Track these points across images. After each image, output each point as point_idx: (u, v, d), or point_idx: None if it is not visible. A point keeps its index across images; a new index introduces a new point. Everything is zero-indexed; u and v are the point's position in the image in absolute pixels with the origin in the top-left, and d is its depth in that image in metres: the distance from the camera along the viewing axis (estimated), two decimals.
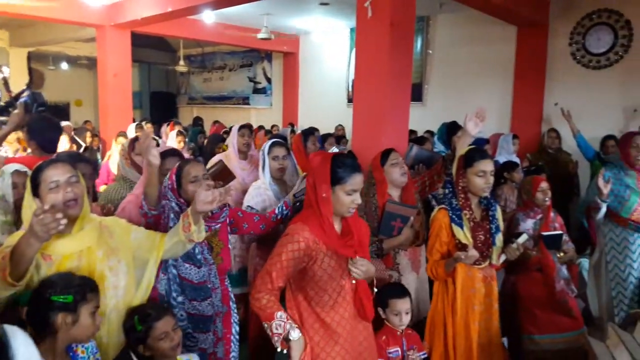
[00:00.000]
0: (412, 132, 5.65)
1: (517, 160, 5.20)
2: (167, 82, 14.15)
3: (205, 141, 6.49)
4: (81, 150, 6.17)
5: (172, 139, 5.57)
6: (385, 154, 2.93)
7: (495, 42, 6.75)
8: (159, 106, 13.37)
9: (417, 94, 7.57)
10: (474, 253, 2.41)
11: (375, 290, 2.17)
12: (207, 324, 2.29)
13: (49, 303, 1.61)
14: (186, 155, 5.89)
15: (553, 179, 5.18)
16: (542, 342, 2.99)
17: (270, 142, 3.03)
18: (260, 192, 2.91)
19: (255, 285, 1.96)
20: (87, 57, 11.84)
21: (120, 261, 1.91)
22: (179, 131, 5.74)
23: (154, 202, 2.24)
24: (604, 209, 3.34)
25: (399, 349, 2.48)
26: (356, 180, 1.95)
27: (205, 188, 1.96)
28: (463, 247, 2.48)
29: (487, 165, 2.49)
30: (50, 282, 1.66)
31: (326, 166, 1.95)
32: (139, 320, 1.88)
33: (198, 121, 10.06)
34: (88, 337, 1.71)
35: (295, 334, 1.91)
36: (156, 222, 2.26)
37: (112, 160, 5.28)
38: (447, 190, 2.63)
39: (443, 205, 2.59)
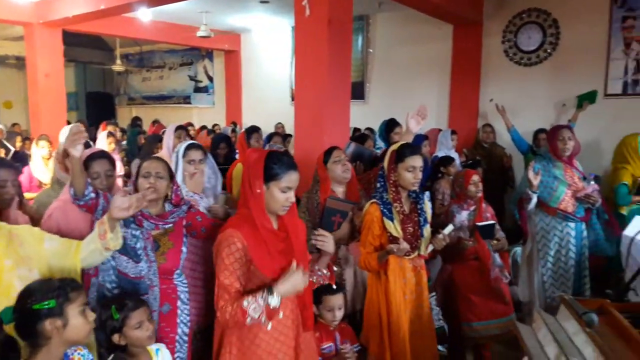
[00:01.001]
0: (356, 129, 5.72)
1: (455, 155, 5.35)
2: (104, 82, 13.65)
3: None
4: (9, 155, 5.83)
5: (101, 139, 5.38)
6: (329, 152, 3.00)
7: (432, 40, 6.92)
8: (96, 107, 12.90)
9: (359, 92, 7.67)
10: (404, 245, 2.51)
11: (335, 269, 2.21)
12: None
13: (33, 313, 1.58)
14: (117, 157, 5.72)
15: (489, 172, 5.46)
16: (479, 328, 3.14)
17: (186, 143, 2.96)
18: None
19: (216, 304, 1.92)
20: (15, 56, 11.22)
21: (31, 270, 1.85)
22: (109, 132, 5.56)
23: (80, 192, 2.28)
24: (534, 200, 3.50)
25: (332, 344, 2.53)
26: (291, 178, 1.96)
27: (122, 193, 1.92)
28: (394, 240, 2.57)
29: (416, 161, 2.59)
30: (28, 291, 1.63)
31: (260, 162, 1.95)
32: (116, 309, 1.98)
33: (136, 121, 9.75)
34: (84, 336, 1.70)
35: (273, 300, 1.87)
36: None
37: (34, 165, 4.94)
38: (379, 184, 2.70)
39: (374, 200, 2.66)
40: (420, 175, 2.61)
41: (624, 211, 4.11)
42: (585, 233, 3.59)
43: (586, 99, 5.62)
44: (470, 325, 3.15)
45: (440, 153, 5.25)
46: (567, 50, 6.01)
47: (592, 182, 3.55)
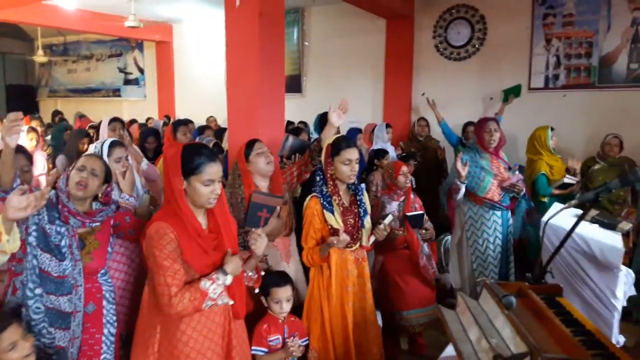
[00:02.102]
0: (289, 122, 5.69)
1: (391, 148, 5.47)
2: (26, 74, 12.83)
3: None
4: None
5: (22, 135, 5.05)
6: (250, 144, 2.93)
7: (367, 34, 7.00)
8: (16, 100, 12.09)
9: (296, 86, 7.65)
10: (345, 237, 2.53)
11: (263, 273, 2.18)
12: (66, 320, 2.17)
13: None
14: (43, 153, 5.39)
15: (424, 164, 5.61)
16: (410, 317, 3.23)
17: (108, 142, 2.85)
18: None
19: (163, 296, 1.84)
20: None
21: None
22: (29, 127, 5.22)
23: (7, 184, 2.18)
24: (463, 190, 3.63)
25: (279, 336, 2.52)
26: (213, 170, 1.92)
27: (19, 192, 1.80)
28: (335, 232, 2.58)
29: (352, 154, 2.61)
30: None
31: (177, 157, 1.90)
32: None
33: (57, 114, 9.21)
34: None
35: (228, 279, 1.91)
36: None
37: None
38: (317, 178, 2.72)
39: (315, 193, 2.67)
40: (356, 167, 2.64)
41: (545, 199, 4.36)
42: (510, 221, 3.76)
43: (511, 93, 5.88)
44: (401, 314, 3.24)
45: (376, 146, 5.35)
46: (493, 46, 6.25)
47: (517, 172, 3.72)
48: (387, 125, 5.74)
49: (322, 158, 2.70)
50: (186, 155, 1.91)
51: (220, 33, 4.03)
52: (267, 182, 2.92)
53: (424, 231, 3.36)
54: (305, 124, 5.82)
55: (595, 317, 2.63)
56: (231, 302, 1.97)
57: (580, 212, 3.21)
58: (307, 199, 2.70)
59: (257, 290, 2.37)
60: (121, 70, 10.44)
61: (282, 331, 2.53)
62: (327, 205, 2.62)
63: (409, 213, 3.31)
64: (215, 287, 1.89)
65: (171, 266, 1.84)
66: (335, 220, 2.62)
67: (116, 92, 10.59)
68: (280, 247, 2.93)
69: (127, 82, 10.42)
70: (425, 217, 3.41)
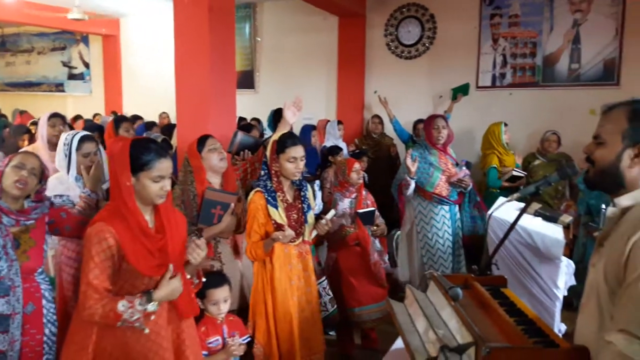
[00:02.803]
0: (241, 119, 5.62)
1: (343, 145, 5.51)
2: None
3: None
4: None
5: None
6: (202, 140, 2.89)
7: (319, 31, 7.00)
8: None
9: (248, 81, 7.57)
10: (290, 232, 2.55)
11: (204, 280, 2.14)
12: (4, 323, 2.09)
13: None
14: None
15: (377, 161, 5.68)
16: (362, 313, 3.26)
17: (79, 135, 2.81)
18: (62, 181, 2.74)
19: (82, 304, 1.78)
20: None
21: None
22: None
23: None
24: (412, 185, 3.69)
25: (219, 337, 2.50)
26: (163, 166, 1.87)
27: None
28: (279, 227, 2.60)
29: (297, 152, 2.63)
30: None
31: (125, 152, 1.83)
32: None
33: None
34: None
35: (152, 307, 1.82)
36: None
37: None
38: (262, 172, 2.71)
39: (259, 188, 2.66)
40: (301, 165, 2.65)
41: (496, 191, 4.52)
42: (458, 215, 3.85)
43: (460, 91, 6.02)
44: (353, 311, 3.27)
45: (328, 143, 5.37)
46: (443, 45, 6.38)
47: (464, 168, 3.82)
48: (339, 122, 5.78)
49: (268, 154, 2.70)
50: (135, 150, 1.84)
51: (169, 27, 3.92)
52: (220, 178, 2.89)
53: (375, 227, 3.39)
54: (258, 120, 5.77)
55: (538, 307, 2.73)
56: (147, 331, 1.85)
57: (521, 206, 3.33)
58: (251, 193, 2.69)
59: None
60: (65, 65, 10.01)
61: (222, 332, 2.50)
62: (271, 200, 2.63)
63: (360, 210, 3.33)
64: (133, 312, 1.79)
65: (96, 277, 1.77)
66: (279, 215, 2.64)
67: (59, 87, 10.14)
68: (233, 244, 2.90)
69: (72, 76, 10.00)
70: (377, 213, 3.44)
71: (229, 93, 4.05)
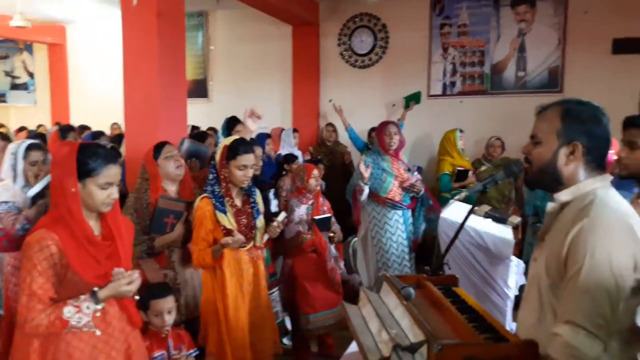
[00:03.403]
0: (194, 127, 5.53)
1: (299, 153, 5.50)
2: None
3: None
4: None
5: None
6: (159, 147, 2.83)
7: (273, 40, 6.99)
8: None
9: (202, 90, 7.47)
10: (240, 237, 2.50)
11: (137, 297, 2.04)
12: None
13: None
14: None
15: (332, 169, 5.69)
16: (316, 320, 3.26)
17: (26, 144, 2.76)
18: (8, 188, 2.65)
19: (24, 317, 1.69)
20: None
21: None
22: None
23: None
24: (366, 191, 3.72)
25: (164, 352, 2.42)
26: (111, 172, 1.80)
27: None
28: (228, 233, 2.55)
29: (248, 160, 2.59)
30: None
31: (72, 157, 1.75)
32: None
33: None
34: None
35: (97, 306, 1.75)
36: None
37: None
38: (210, 176, 2.65)
39: (206, 194, 2.60)
40: (250, 173, 2.61)
41: (449, 195, 4.61)
42: (411, 219, 3.91)
43: (412, 100, 6.12)
44: (307, 318, 3.25)
45: (283, 151, 5.36)
46: (395, 54, 6.49)
47: (416, 173, 3.88)
48: (294, 130, 5.78)
49: (217, 158, 2.64)
50: (82, 155, 1.77)
51: (118, 34, 3.82)
52: (176, 186, 2.84)
53: (332, 234, 3.40)
54: (215, 130, 5.68)
55: (490, 307, 2.78)
56: (98, 333, 1.79)
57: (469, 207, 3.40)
58: (197, 199, 2.63)
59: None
60: (7, 74, 9.58)
61: (167, 346, 2.42)
62: (219, 205, 2.57)
63: (316, 216, 3.32)
64: (81, 316, 1.72)
65: (40, 287, 1.69)
66: (228, 220, 2.58)
67: (1, 98, 9.69)
68: (185, 252, 2.82)
69: (15, 86, 9.56)
70: (333, 219, 3.45)
71: (179, 101, 3.98)
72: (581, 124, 1.41)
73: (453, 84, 6.29)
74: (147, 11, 3.66)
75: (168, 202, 2.63)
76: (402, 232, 3.82)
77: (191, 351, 2.49)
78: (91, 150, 1.80)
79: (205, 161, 3.66)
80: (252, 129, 3.01)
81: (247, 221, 2.66)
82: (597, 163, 1.44)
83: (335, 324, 3.25)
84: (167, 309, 2.40)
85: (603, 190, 1.41)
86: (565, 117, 1.43)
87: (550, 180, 1.47)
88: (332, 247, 3.44)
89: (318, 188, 3.41)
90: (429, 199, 3.99)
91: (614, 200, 1.40)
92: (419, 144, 6.30)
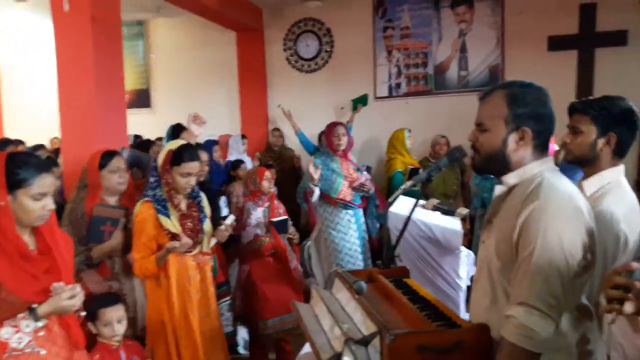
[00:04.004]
0: (137, 137, 5.37)
1: (248, 159, 5.43)
2: None
3: None
4: None
5: None
6: (107, 158, 2.64)
7: (217, 46, 6.87)
8: None
9: (144, 100, 7.26)
10: (187, 241, 2.41)
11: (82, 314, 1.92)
12: None
13: None
14: None
15: (282, 173, 5.64)
16: (274, 324, 3.20)
17: None
18: None
19: None
20: None
21: None
22: None
23: None
24: (317, 192, 3.70)
25: None
26: (45, 182, 1.68)
27: None
28: (174, 238, 2.45)
29: (193, 168, 2.50)
30: None
31: (0, 167, 1.62)
32: None
33: None
34: None
35: (38, 323, 1.64)
36: None
37: None
38: (152, 179, 2.54)
39: (147, 198, 2.49)
40: (194, 181, 2.53)
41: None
42: (363, 219, 3.91)
43: (359, 102, 6.17)
44: (266, 323, 3.20)
45: (232, 157, 5.28)
46: (341, 58, 6.52)
47: (365, 172, 3.90)
48: (243, 136, 5.70)
49: (159, 162, 2.53)
50: (12, 165, 1.64)
51: (52, 43, 3.64)
52: (117, 198, 2.67)
53: (290, 236, 3.40)
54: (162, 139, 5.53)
55: (443, 297, 2.80)
56: (43, 352, 1.67)
57: (421, 203, 3.44)
58: (138, 204, 2.51)
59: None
60: None
61: (119, 357, 2.30)
62: (161, 209, 2.46)
63: (274, 219, 3.30)
64: (21, 336, 1.61)
65: None
66: (172, 224, 2.47)
67: None
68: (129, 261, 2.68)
69: None
70: (290, 221, 3.45)
71: (118, 110, 3.83)
72: (528, 108, 1.41)
73: (399, 85, 6.38)
74: (80, 17, 3.50)
75: (104, 209, 2.51)
76: (355, 232, 3.81)
77: None
78: (21, 160, 1.68)
79: (147, 170, 3.55)
80: (197, 133, 2.95)
81: (192, 225, 2.56)
82: (543, 146, 1.45)
83: (296, 327, 3.19)
84: (116, 318, 2.28)
85: (549, 172, 1.42)
86: (511, 103, 1.42)
87: (498, 166, 1.47)
88: (291, 250, 3.40)
89: (272, 190, 3.38)
90: (377, 197, 4.01)
91: (561, 182, 1.41)
92: (367, 145, 6.34)
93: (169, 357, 2.47)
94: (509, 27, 5.87)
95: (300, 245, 4.05)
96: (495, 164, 1.48)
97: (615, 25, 5.51)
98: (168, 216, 2.46)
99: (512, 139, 1.43)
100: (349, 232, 3.78)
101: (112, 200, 2.65)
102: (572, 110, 1.85)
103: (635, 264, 1.12)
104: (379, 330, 1.35)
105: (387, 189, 4.95)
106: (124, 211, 2.55)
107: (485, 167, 1.53)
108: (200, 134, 3.24)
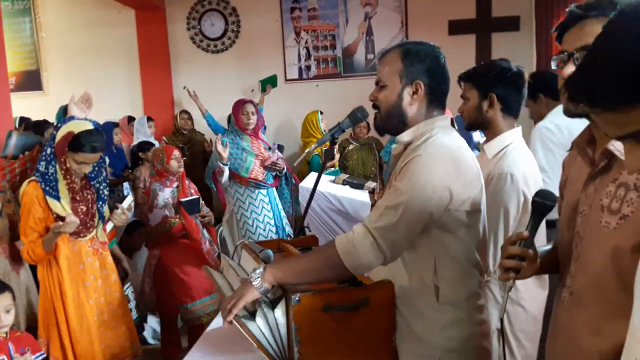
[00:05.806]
0: (25, 119, 4.95)
1: (155, 142, 5.18)
2: None
3: None
4: None
5: None
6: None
7: (115, 25, 6.46)
8: None
9: (35, 83, 6.68)
10: (73, 219, 2.25)
11: None
12: None
13: None
14: None
15: (192, 158, 5.45)
16: (195, 308, 3.11)
17: None
18: None
19: None
20: None
21: None
22: None
23: None
24: (226, 172, 3.59)
25: (4, 357, 2.12)
26: None
27: None
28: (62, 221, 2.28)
29: (90, 159, 2.35)
30: None
31: None
32: None
33: None
34: None
35: None
36: None
37: None
38: (43, 157, 2.35)
39: (34, 177, 2.30)
40: (88, 169, 2.39)
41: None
42: (277, 199, 3.86)
43: (268, 83, 6.07)
44: (186, 307, 3.10)
45: (138, 141, 5.00)
46: (248, 38, 6.37)
47: (277, 151, 3.83)
48: (149, 119, 5.44)
49: (57, 139, 2.33)
50: None
51: None
52: None
53: (201, 217, 3.27)
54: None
55: None
56: None
57: (330, 178, 3.46)
58: (24, 184, 2.32)
59: None
60: None
61: (7, 350, 2.13)
62: (50, 190, 2.28)
63: (183, 199, 3.15)
64: None
65: None
66: (61, 207, 2.30)
67: None
68: (7, 253, 2.46)
69: None
70: (202, 201, 3.32)
71: (1, 95, 3.49)
72: (421, 63, 1.44)
73: (308, 67, 6.37)
74: None
75: None
76: (269, 212, 3.75)
77: (37, 354, 2.21)
78: None
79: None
80: (80, 117, 2.70)
81: (86, 208, 2.40)
82: (438, 102, 1.48)
83: (217, 310, 3.10)
84: (3, 307, 2.11)
85: (442, 130, 1.44)
86: (405, 58, 1.44)
87: (396, 122, 1.48)
88: (205, 231, 3.29)
89: (181, 170, 3.23)
90: (291, 177, 3.97)
91: (450, 136, 1.43)
92: (280, 129, 6.30)
93: (63, 348, 2.31)
94: (412, 10, 6.04)
95: (216, 226, 3.94)
96: (394, 120, 1.48)
97: (508, 11, 5.87)
98: (57, 198, 2.29)
99: (407, 92, 1.45)
100: (263, 212, 3.71)
101: None
102: (460, 81, 1.93)
103: (526, 233, 1.16)
104: (284, 292, 1.32)
105: (307, 172, 4.93)
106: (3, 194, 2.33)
107: (385, 125, 1.53)
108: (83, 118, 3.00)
